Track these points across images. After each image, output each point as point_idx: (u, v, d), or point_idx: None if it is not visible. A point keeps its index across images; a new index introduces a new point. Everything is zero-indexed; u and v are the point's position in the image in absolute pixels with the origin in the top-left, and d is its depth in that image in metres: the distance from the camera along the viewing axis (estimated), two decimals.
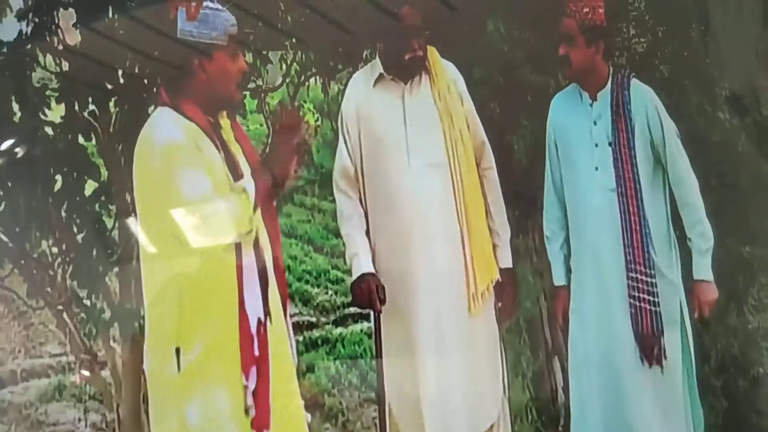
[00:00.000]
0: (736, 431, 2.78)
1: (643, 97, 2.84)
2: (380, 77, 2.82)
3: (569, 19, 2.82)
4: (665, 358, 2.75)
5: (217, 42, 2.34)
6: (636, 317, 2.75)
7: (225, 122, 2.41)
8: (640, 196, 2.78)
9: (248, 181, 2.29)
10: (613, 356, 2.79)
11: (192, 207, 2.23)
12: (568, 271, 2.91)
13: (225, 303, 2.25)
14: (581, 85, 2.90)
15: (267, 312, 2.29)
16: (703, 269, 2.79)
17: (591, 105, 2.88)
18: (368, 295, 2.70)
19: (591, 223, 2.85)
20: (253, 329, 2.24)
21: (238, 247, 2.28)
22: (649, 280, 2.75)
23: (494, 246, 2.84)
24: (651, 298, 2.74)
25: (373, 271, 2.74)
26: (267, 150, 2.49)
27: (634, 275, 2.76)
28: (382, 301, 2.71)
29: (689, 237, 2.80)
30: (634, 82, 2.86)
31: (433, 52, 2.84)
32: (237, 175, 2.32)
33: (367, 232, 2.81)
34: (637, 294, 2.75)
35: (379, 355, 2.74)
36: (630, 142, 2.80)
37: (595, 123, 2.87)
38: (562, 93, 2.99)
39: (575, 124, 2.90)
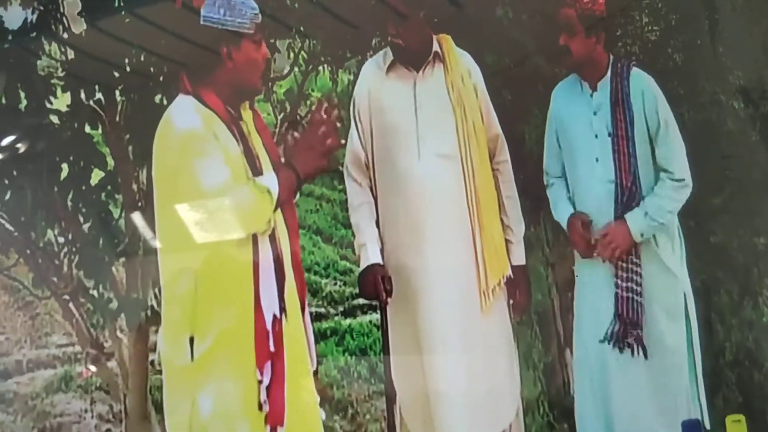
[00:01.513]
0: (751, 425, 2.75)
1: (641, 85, 2.84)
2: (393, 64, 2.79)
3: (569, 9, 2.81)
4: (640, 349, 2.72)
5: (243, 30, 2.32)
6: (617, 302, 2.73)
7: (247, 113, 2.40)
8: (637, 187, 2.77)
9: (271, 179, 2.26)
10: (603, 347, 2.78)
11: (209, 197, 2.22)
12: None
13: (240, 297, 2.24)
14: (581, 75, 2.90)
15: (283, 308, 2.27)
16: (634, 216, 2.74)
17: (591, 95, 2.87)
18: (374, 286, 2.69)
19: (593, 214, 2.84)
20: (269, 325, 2.23)
21: (254, 240, 2.26)
22: (633, 267, 2.73)
23: (507, 242, 2.81)
24: (634, 286, 2.73)
25: (380, 261, 2.72)
26: (290, 141, 2.46)
27: (621, 263, 2.74)
28: (388, 293, 2.69)
29: (645, 197, 2.76)
30: (635, 71, 2.86)
31: (447, 41, 2.81)
32: (255, 168, 2.30)
33: (378, 223, 2.78)
34: (620, 281, 2.74)
35: (386, 349, 2.72)
36: (629, 132, 2.80)
37: (595, 113, 2.86)
38: (562, 84, 2.98)
39: (576, 115, 2.89)
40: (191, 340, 2.21)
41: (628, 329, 2.73)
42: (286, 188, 2.28)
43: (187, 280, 2.24)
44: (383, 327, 2.73)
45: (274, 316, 2.25)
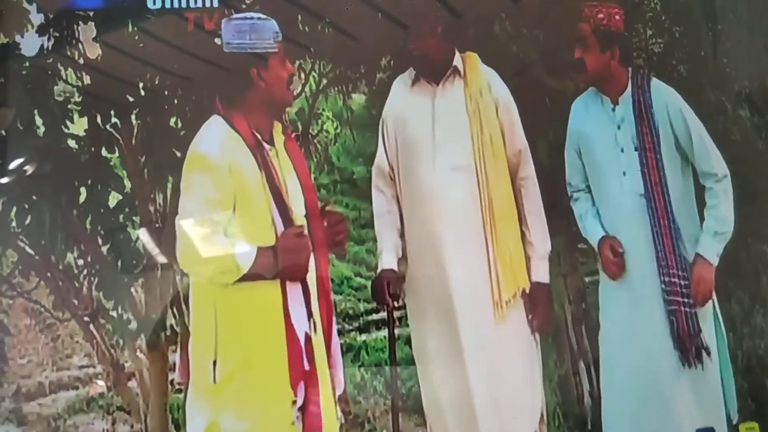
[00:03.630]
0: None
1: (665, 98, 2.85)
2: (417, 79, 2.85)
3: (584, 24, 2.84)
4: (708, 355, 2.73)
5: (269, 50, 2.38)
6: (675, 321, 2.74)
7: (279, 138, 2.44)
8: (668, 199, 2.79)
9: (247, 259, 2.28)
10: (649, 360, 2.78)
11: (189, 221, 2.25)
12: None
13: (269, 318, 2.27)
14: (600, 89, 2.91)
15: (313, 325, 2.31)
16: (706, 246, 2.77)
17: (613, 109, 2.88)
18: (379, 291, 2.74)
19: (622, 227, 2.85)
20: (302, 343, 2.27)
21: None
22: (683, 282, 2.74)
23: (529, 258, 2.83)
24: (687, 300, 2.74)
25: (391, 267, 2.78)
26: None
27: (668, 279, 2.76)
28: (393, 297, 2.73)
29: (705, 217, 2.79)
30: (655, 83, 2.88)
31: (471, 58, 2.86)
32: (279, 196, 2.34)
33: (402, 236, 2.83)
34: (673, 298, 2.74)
35: (392, 359, 2.76)
36: (656, 145, 2.82)
37: (618, 127, 2.88)
38: (581, 98, 2.99)
39: (598, 129, 2.91)
40: (214, 363, 2.24)
41: (692, 344, 2.74)
42: (260, 270, 2.29)
43: (207, 305, 2.28)
44: (390, 335, 2.78)
45: (306, 334, 2.29)
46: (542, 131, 3.38)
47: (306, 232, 2.36)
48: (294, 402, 2.26)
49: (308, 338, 2.31)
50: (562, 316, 3.38)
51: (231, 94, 2.43)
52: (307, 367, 2.28)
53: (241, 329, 2.28)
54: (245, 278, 2.28)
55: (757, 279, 3.26)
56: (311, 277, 2.41)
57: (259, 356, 2.28)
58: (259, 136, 2.38)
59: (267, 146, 2.39)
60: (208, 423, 2.25)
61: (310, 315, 2.35)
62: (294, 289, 2.33)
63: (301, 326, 2.31)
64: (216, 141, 2.34)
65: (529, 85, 3.47)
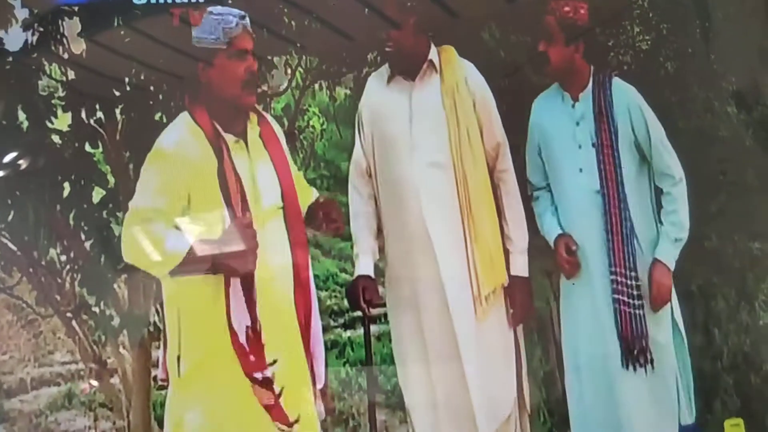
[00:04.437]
0: (750, 428, 2.76)
1: (625, 97, 2.84)
2: (393, 74, 2.83)
3: (549, 16, 2.84)
4: (648, 360, 2.73)
5: (216, 46, 2.36)
6: (618, 319, 2.74)
7: (254, 129, 2.41)
8: (623, 197, 2.78)
9: (180, 243, 2.26)
10: (603, 358, 2.78)
11: (136, 214, 2.24)
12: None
13: (214, 312, 2.27)
14: (562, 85, 2.91)
15: (255, 318, 2.29)
16: (665, 251, 2.76)
17: (573, 106, 2.88)
18: (355, 297, 2.73)
19: (578, 225, 2.85)
20: (243, 338, 2.26)
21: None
22: (631, 282, 2.74)
23: (508, 252, 2.82)
24: (633, 301, 2.73)
25: (367, 273, 2.77)
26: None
27: (615, 277, 2.75)
28: (369, 304, 2.72)
29: (662, 222, 2.78)
30: (616, 82, 2.87)
31: (447, 51, 2.84)
32: (235, 188, 2.32)
33: (379, 236, 2.82)
34: (619, 297, 2.74)
35: (369, 360, 2.76)
36: (613, 143, 2.81)
37: (577, 124, 2.87)
38: (543, 95, 2.99)
39: (558, 126, 2.90)
40: (178, 358, 2.25)
41: (635, 346, 2.74)
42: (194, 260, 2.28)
43: (174, 301, 2.28)
44: (366, 338, 2.78)
45: (247, 327, 2.28)
46: (525, 129, 3.37)
47: (254, 225, 2.31)
48: (258, 380, 2.25)
49: (249, 331, 2.29)
50: (547, 313, 3.37)
51: (194, 87, 2.41)
52: (252, 359, 2.25)
53: (197, 324, 2.28)
54: (183, 271, 2.25)
55: (743, 275, 3.26)
56: (286, 270, 2.38)
57: (213, 351, 2.27)
58: (219, 128, 2.35)
59: (233, 138, 2.35)
60: (177, 418, 2.26)
61: (251, 309, 2.31)
62: (235, 283, 2.29)
63: (241, 321, 2.28)
64: (175, 135, 2.33)
65: (513, 83, 3.48)
